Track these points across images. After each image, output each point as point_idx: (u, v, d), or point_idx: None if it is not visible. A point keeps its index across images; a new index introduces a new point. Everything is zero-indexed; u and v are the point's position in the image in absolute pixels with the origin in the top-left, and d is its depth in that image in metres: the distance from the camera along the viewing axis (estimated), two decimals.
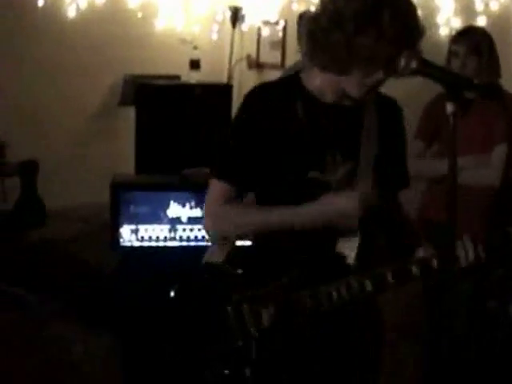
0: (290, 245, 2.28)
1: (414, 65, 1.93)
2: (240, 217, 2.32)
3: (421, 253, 2.31)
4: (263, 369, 2.23)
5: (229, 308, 2.23)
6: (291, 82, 2.33)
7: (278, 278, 2.22)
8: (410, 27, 2.05)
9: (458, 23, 5.95)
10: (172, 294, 2.37)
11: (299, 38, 4.95)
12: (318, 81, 2.25)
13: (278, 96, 2.28)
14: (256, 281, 2.24)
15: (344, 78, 2.14)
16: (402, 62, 1.94)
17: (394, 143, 2.39)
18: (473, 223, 3.32)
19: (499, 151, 3.63)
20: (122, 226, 4.08)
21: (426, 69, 1.93)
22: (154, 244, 4.08)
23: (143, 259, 4.14)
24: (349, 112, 2.28)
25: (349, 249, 2.26)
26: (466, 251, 2.19)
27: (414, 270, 2.20)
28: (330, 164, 2.26)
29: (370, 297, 2.30)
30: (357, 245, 2.27)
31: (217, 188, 2.31)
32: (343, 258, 2.26)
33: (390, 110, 2.39)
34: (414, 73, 1.94)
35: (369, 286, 2.20)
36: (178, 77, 6.67)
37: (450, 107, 1.87)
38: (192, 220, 4.05)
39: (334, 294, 2.20)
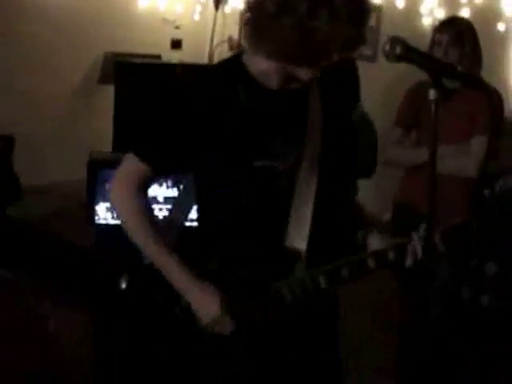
0: (237, 242, 2.21)
1: (398, 50, 1.93)
2: (136, 226, 2.24)
3: (375, 241, 2.27)
4: (217, 364, 2.20)
5: (177, 309, 2.22)
6: (232, 65, 2.20)
7: (226, 275, 2.17)
8: (361, 10, 1.99)
9: (441, 14, 5.96)
10: (123, 285, 2.35)
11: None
12: (261, 66, 2.12)
13: (218, 79, 2.18)
14: (205, 278, 2.18)
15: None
16: (387, 47, 1.94)
17: (341, 127, 2.30)
18: (451, 212, 3.33)
19: (479, 141, 3.65)
20: (97, 204, 4.06)
21: (410, 55, 1.93)
22: None
23: (119, 237, 4.12)
24: (293, 96, 2.18)
25: (298, 240, 2.18)
26: (414, 251, 2.15)
27: (370, 262, 2.15)
28: (273, 151, 2.16)
29: (325, 293, 2.24)
30: (306, 237, 2.19)
31: (134, 166, 2.23)
32: (293, 251, 2.18)
33: (333, 89, 2.29)
34: (399, 58, 1.94)
35: (323, 282, 2.15)
36: (159, 56, 6.65)
37: (432, 93, 1.88)
38: (168, 199, 4.03)
39: (286, 291, 2.15)
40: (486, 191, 2.10)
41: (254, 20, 2.02)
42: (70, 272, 4.82)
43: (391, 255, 2.14)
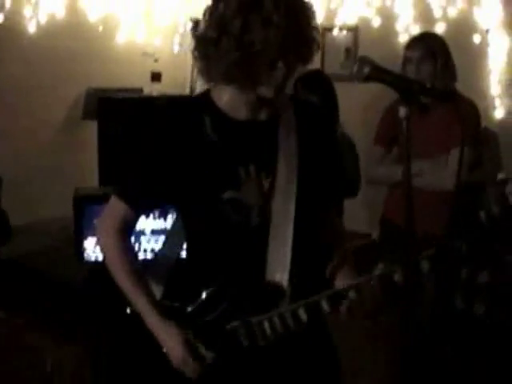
0: (218, 278, 2.19)
1: (366, 71, 1.95)
2: (115, 267, 2.28)
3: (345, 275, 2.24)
4: None
5: None
6: (201, 97, 2.23)
7: (209, 311, 2.16)
8: (296, 11, 2.02)
9: (416, 30, 6.02)
10: (128, 311, 2.36)
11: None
12: (226, 96, 2.15)
13: (186, 112, 2.20)
14: (187, 317, 2.19)
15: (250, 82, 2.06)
16: (355, 68, 1.96)
17: (320, 152, 2.28)
18: (432, 225, 3.35)
19: (455, 155, 3.66)
20: (86, 239, 4.07)
21: (379, 74, 1.96)
22: None
23: (108, 271, 4.13)
24: (263, 126, 2.19)
25: (279, 273, 2.14)
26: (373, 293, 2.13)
27: (351, 294, 2.11)
28: (244, 180, 2.15)
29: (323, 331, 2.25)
30: (288, 268, 2.15)
31: (116, 207, 2.28)
32: (274, 284, 2.15)
33: (310, 115, 2.30)
34: (367, 78, 1.96)
35: (303, 315, 2.12)
36: (140, 89, 6.67)
37: (402, 112, 1.90)
38: (155, 232, 4.05)
39: (267, 325, 2.12)
40: (482, 213, 2.10)
41: (202, 51, 2.08)
42: (62, 308, 4.82)
43: (372, 286, 2.11)
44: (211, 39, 2.04)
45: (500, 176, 5.32)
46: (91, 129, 6.00)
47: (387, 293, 2.12)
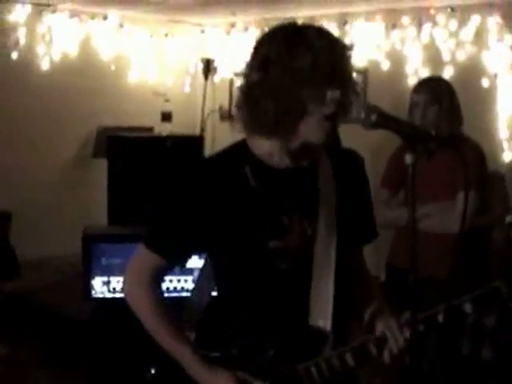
0: (261, 324, 2.14)
1: (373, 118, 1.96)
2: (149, 317, 2.20)
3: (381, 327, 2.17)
4: None
5: None
6: (238, 149, 2.18)
7: (253, 359, 2.12)
8: (334, 40, 2.02)
9: (425, 73, 6.07)
10: (152, 371, 2.31)
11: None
12: (266, 145, 2.11)
13: (225, 165, 2.15)
14: (231, 363, 2.12)
15: (301, 126, 2.01)
16: (362, 115, 1.98)
17: (355, 196, 2.26)
18: (438, 268, 3.35)
19: (462, 198, 3.66)
20: (93, 278, 4.07)
21: (385, 122, 1.97)
22: None
23: (115, 310, 4.13)
24: (304, 172, 2.17)
25: (322, 318, 2.12)
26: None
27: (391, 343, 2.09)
28: (288, 228, 2.12)
29: (352, 371, 2.18)
30: (330, 313, 2.13)
31: (147, 257, 2.19)
32: (318, 330, 2.12)
33: (347, 161, 2.29)
34: (374, 126, 1.98)
35: (350, 360, 2.10)
36: (151, 129, 6.72)
37: (408, 158, 1.91)
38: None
39: (314, 371, 2.09)
40: None
41: (247, 102, 2.05)
42: (68, 345, 4.82)
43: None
44: (258, 80, 2.01)
45: (508, 219, 5.33)
46: (101, 167, 6.05)
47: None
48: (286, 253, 2.12)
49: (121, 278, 4.07)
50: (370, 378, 2.61)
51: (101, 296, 4.10)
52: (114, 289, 4.09)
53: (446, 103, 3.87)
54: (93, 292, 4.09)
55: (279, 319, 2.14)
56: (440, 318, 2.12)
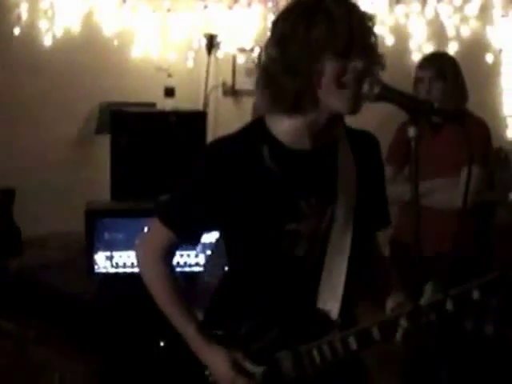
0: (269, 305, 2.14)
1: (376, 90, 1.95)
2: (160, 292, 2.22)
3: (390, 303, 2.17)
4: None
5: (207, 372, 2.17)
6: (256, 128, 2.14)
7: (257, 339, 2.12)
8: (354, 7, 1.98)
9: (430, 49, 6.04)
10: (161, 344, 2.33)
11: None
12: (285, 125, 2.08)
13: (242, 145, 2.11)
14: (235, 343, 2.14)
15: (322, 98, 1.98)
16: (365, 88, 1.96)
17: (373, 179, 2.25)
18: (442, 243, 3.36)
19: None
20: (96, 253, 4.08)
21: (388, 94, 1.96)
22: (129, 270, 4.09)
23: (119, 286, 4.15)
24: (323, 155, 2.13)
25: (331, 302, 2.12)
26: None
27: (402, 322, 2.06)
28: (305, 212, 2.10)
29: (355, 355, 2.17)
30: (340, 298, 2.12)
31: (161, 232, 2.19)
32: (325, 313, 2.12)
33: (365, 144, 2.26)
34: (377, 98, 1.96)
35: (353, 343, 2.09)
36: (153, 104, 6.70)
37: (411, 131, 1.90)
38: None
39: (316, 353, 2.09)
40: None
41: (267, 78, 2.01)
42: (73, 322, 4.83)
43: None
44: (275, 57, 1.98)
45: None
46: (104, 143, 6.04)
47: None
48: (301, 236, 2.10)
49: (123, 253, 4.10)
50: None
51: (104, 271, 4.11)
52: (117, 264, 4.10)
53: (451, 79, 3.86)
54: (96, 267, 4.10)
55: (288, 301, 2.14)
56: (449, 305, 2.09)
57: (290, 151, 2.10)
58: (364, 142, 2.27)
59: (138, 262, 2.30)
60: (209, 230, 2.28)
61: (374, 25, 2.01)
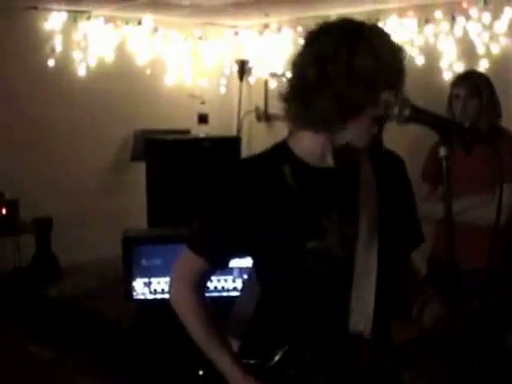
0: (300, 330, 2.12)
1: (407, 113, 1.96)
2: (193, 322, 2.19)
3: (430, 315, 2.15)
4: None
5: None
6: (278, 149, 2.15)
7: (292, 365, 2.08)
8: (392, 41, 1.98)
9: (460, 67, 6.03)
10: (200, 373, 2.30)
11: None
12: (306, 143, 2.09)
13: (263, 165, 2.12)
14: (270, 371, 2.11)
15: (350, 125, 1.98)
16: (396, 111, 1.97)
17: (398, 199, 2.23)
18: (478, 260, 3.35)
19: (504, 190, 3.66)
20: (134, 280, 4.12)
21: (418, 116, 1.97)
22: (166, 296, 4.11)
23: (157, 311, 4.17)
24: (344, 173, 2.13)
25: (363, 323, 2.08)
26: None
27: (438, 339, 2.05)
28: (327, 228, 2.08)
29: (392, 374, 2.15)
30: (371, 317, 2.09)
31: (191, 260, 2.18)
32: (358, 334, 2.09)
33: (388, 163, 2.25)
34: (407, 120, 1.98)
35: (389, 362, 2.08)
36: (188, 131, 6.76)
37: (442, 151, 1.91)
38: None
39: (352, 374, 2.05)
40: None
41: (298, 95, 2.01)
42: (111, 351, 4.85)
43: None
44: (312, 77, 1.96)
45: None
46: (139, 170, 6.10)
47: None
48: (324, 255, 2.07)
49: (161, 279, 4.13)
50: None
51: (142, 297, 4.14)
52: (155, 290, 4.14)
53: (486, 97, 3.90)
54: (134, 293, 4.14)
55: (318, 324, 2.11)
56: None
57: (311, 169, 2.10)
58: (387, 161, 2.26)
59: (170, 291, 2.27)
60: (239, 253, 2.28)
61: (405, 57, 2.02)
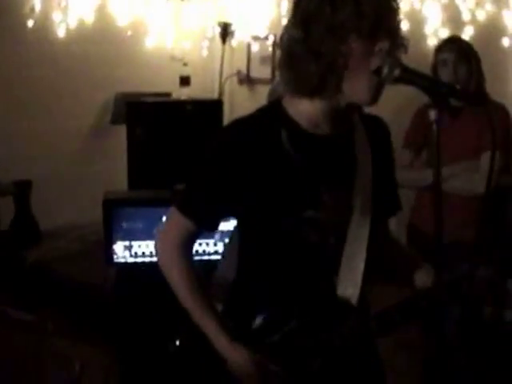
0: (287, 295, 2.13)
1: (396, 73, 1.94)
2: (180, 284, 2.19)
3: (422, 277, 2.19)
4: None
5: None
6: (273, 111, 2.13)
7: (276, 330, 2.10)
8: None
9: (445, 33, 5.99)
10: (177, 343, 2.31)
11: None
12: (306, 108, 2.07)
13: (259, 128, 2.09)
14: (254, 336, 2.13)
15: (346, 83, 1.97)
16: (385, 70, 1.95)
17: (385, 166, 2.25)
18: (461, 231, 3.34)
19: (487, 158, 3.65)
20: (115, 243, 4.09)
21: (409, 76, 1.94)
22: (147, 260, 4.09)
23: (138, 275, 4.15)
24: (341, 141, 2.12)
25: (352, 289, 2.10)
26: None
27: (422, 303, 2.08)
28: (325, 199, 2.08)
29: (374, 339, 2.19)
30: (360, 284, 2.12)
31: (179, 221, 2.18)
32: (346, 300, 2.11)
33: (378, 129, 2.25)
34: (397, 80, 1.95)
35: (374, 327, 2.10)
36: (169, 94, 6.69)
37: (433, 114, 1.89)
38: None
39: (337, 341, 2.08)
40: None
41: (289, 59, 2.00)
42: (91, 313, 4.84)
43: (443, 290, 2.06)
44: (299, 38, 1.95)
45: None
46: (120, 133, 6.04)
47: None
48: (319, 224, 2.07)
49: (142, 242, 4.10)
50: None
51: (123, 261, 4.11)
52: (135, 253, 4.11)
53: (474, 62, 3.86)
54: (115, 257, 4.11)
55: (306, 289, 2.12)
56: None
57: (309, 135, 2.08)
58: (377, 127, 2.27)
59: (157, 252, 2.28)
60: (227, 216, 2.26)
61: (398, 6, 2.00)
